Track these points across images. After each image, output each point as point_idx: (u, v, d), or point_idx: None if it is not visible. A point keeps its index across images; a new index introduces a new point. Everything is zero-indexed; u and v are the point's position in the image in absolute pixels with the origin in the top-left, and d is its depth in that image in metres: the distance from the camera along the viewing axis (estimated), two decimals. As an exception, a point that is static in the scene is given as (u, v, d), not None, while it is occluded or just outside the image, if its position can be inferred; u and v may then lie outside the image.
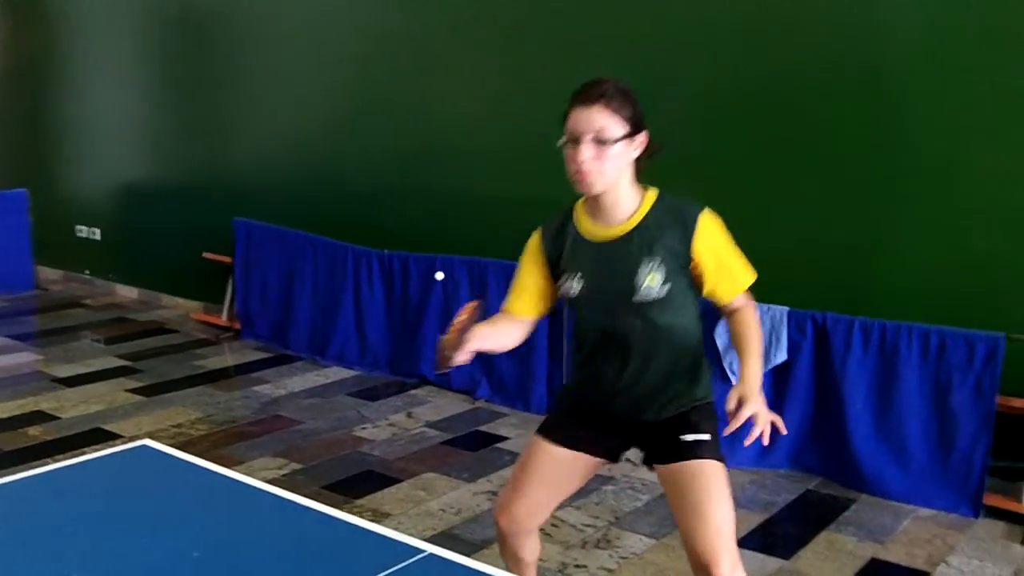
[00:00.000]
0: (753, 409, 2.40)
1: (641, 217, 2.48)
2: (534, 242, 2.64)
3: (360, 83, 6.21)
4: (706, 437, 2.58)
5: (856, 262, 4.53)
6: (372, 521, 3.78)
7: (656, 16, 4.97)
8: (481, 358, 5.46)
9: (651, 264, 2.45)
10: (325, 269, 6.13)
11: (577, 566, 3.60)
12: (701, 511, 2.49)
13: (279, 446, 4.73)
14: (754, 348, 2.52)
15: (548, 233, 2.61)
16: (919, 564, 3.70)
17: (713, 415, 2.63)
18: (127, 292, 7.93)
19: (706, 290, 2.55)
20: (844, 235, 4.55)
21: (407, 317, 5.79)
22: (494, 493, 4.21)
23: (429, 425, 5.06)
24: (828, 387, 4.43)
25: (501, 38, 5.55)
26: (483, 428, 5.03)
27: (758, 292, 4.59)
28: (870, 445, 4.33)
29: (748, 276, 2.59)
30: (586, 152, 2.38)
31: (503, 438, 4.90)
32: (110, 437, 4.76)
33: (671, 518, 3.98)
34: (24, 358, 6.14)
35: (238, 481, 2.46)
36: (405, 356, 5.80)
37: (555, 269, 2.59)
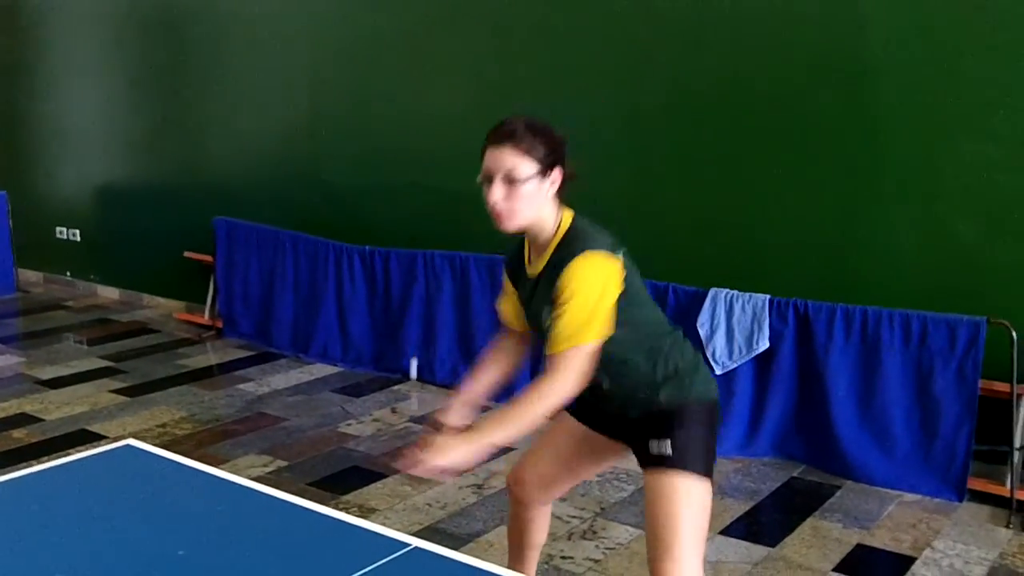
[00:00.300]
0: (430, 445, 2.31)
1: (550, 255, 2.44)
2: (505, 273, 2.69)
3: (339, 80, 6.19)
4: (668, 451, 2.46)
5: (838, 249, 4.55)
6: (358, 517, 3.77)
7: (639, 9, 4.97)
8: (464, 352, 5.47)
9: (547, 305, 2.39)
10: (307, 266, 6.12)
11: (563, 557, 3.61)
12: (657, 521, 2.45)
13: (264, 444, 4.72)
14: (507, 411, 2.39)
15: (510, 264, 2.64)
16: (904, 549, 3.72)
17: (698, 418, 2.52)
18: (109, 293, 7.89)
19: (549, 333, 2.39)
20: (826, 223, 4.57)
21: (390, 313, 5.79)
22: (479, 487, 4.21)
23: (414, 420, 5.06)
24: (811, 374, 4.45)
25: (480, 35, 5.55)
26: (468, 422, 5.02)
27: (740, 281, 4.65)
28: (854, 432, 4.35)
29: (572, 338, 2.32)
30: (497, 192, 2.37)
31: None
32: (95, 438, 4.74)
33: (657, 508, 4.00)
34: (7, 361, 6.11)
35: (222, 479, 2.46)
36: (388, 352, 5.79)
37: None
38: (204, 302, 6.89)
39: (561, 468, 2.75)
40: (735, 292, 4.56)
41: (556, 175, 2.44)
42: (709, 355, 4.57)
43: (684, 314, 4.70)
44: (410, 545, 2.05)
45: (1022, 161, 4.10)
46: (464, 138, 5.60)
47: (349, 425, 4.98)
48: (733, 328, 4.54)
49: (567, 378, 2.33)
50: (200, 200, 6.93)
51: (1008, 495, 4.05)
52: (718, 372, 4.58)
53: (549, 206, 2.45)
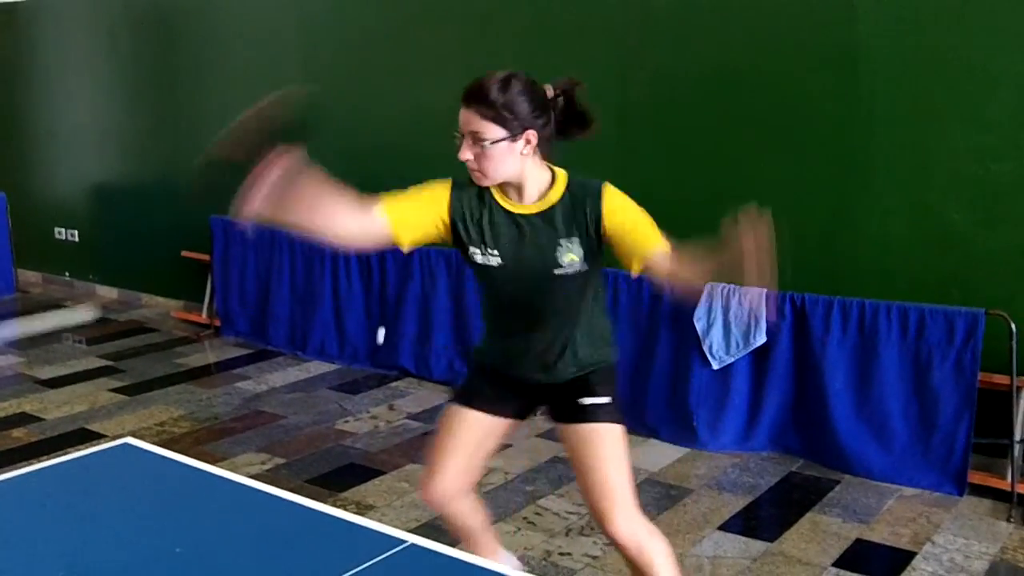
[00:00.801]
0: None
1: (559, 195, 2.52)
2: (441, 188, 2.58)
3: (331, 77, 6.18)
4: (604, 400, 2.67)
5: (832, 241, 4.54)
6: (356, 513, 3.77)
7: (627, 2, 4.97)
8: (461, 348, 5.47)
9: (572, 242, 2.51)
10: (303, 264, 6.12)
11: (561, 554, 3.61)
12: (593, 473, 2.62)
13: (262, 441, 4.72)
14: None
15: (463, 193, 2.56)
16: (904, 543, 3.72)
17: (613, 378, 2.73)
18: (107, 292, 7.89)
19: (626, 252, 2.55)
20: (820, 215, 4.56)
21: (386, 309, 5.79)
22: (477, 483, 4.20)
23: (411, 417, 5.06)
24: (808, 368, 4.44)
25: (469, 30, 5.53)
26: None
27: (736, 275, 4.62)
28: (852, 425, 4.35)
29: (662, 239, 2.58)
30: (466, 150, 2.43)
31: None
32: (94, 437, 4.74)
33: (655, 504, 4.01)
34: (6, 360, 6.11)
35: (219, 476, 2.46)
36: (385, 349, 5.79)
37: (457, 232, 2.56)
38: (201, 301, 6.88)
39: (468, 456, 2.81)
40: (731, 286, 4.56)
41: (531, 136, 2.46)
42: (706, 350, 4.57)
43: (680, 309, 4.70)
44: (407, 542, 2.04)
45: (1015, 149, 4.10)
46: (453, 133, 5.60)
47: (346, 422, 4.98)
48: (730, 322, 4.53)
49: None
50: (197, 199, 6.90)
51: (1008, 488, 4.04)
52: (715, 367, 4.58)
53: (530, 163, 2.50)
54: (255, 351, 6.24)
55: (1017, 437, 4.07)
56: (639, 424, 4.84)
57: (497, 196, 2.56)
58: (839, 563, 3.57)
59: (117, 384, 5.62)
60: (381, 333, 5.70)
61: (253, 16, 6.53)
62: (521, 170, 2.48)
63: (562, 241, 2.50)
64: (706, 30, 4.76)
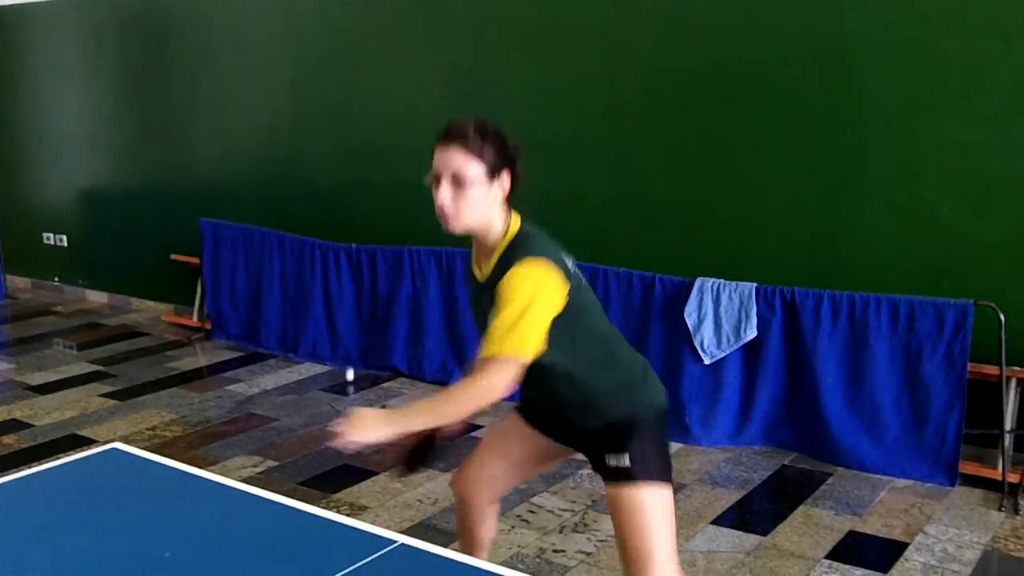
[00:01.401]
0: (351, 415, 2.27)
1: (497, 259, 2.39)
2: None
3: (320, 79, 6.17)
4: (626, 463, 2.45)
5: (822, 234, 4.55)
6: (349, 515, 3.77)
7: (616, -1, 4.98)
8: (453, 347, 5.46)
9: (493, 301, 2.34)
10: (293, 266, 6.11)
11: (556, 551, 3.61)
12: (626, 536, 2.47)
13: (254, 444, 4.71)
14: (425, 404, 2.37)
15: (467, 262, 2.57)
16: (897, 535, 3.73)
17: (650, 428, 2.52)
18: (97, 297, 7.86)
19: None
20: (810, 209, 4.57)
21: (377, 310, 5.78)
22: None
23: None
24: (799, 362, 4.45)
25: (459, 28, 5.53)
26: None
27: (726, 269, 4.65)
28: (844, 418, 4.35)
29: (500, 343, 2.25)
30: (444, 192, 2.33)
31: (477, 427, 4.88)
32: (85, 443, 4.72)
33: (649, 499, 4.00)
34: (-5, 367, 6.10)
35: (208, 480, 2.45)
36: (377, 349, 5.78)
37: None
38: (192, 304, 6.86)
39: (510, 468, 2.74)
40: (721, 281, 4.56)
41: (505, 180, 2.39)
42: (697, 345, 4.57)
43: (671, 304, 4.70)
44: (396, 542, 2.04)
45: (1004, 142, 4.11)
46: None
47: (339, 424, 4.96)
48: (720, 317, 4.53)
49: (493, 384, 2.24)
50: (185, 202, 6.90)
51: (1000, 478, 4.05)
52: (707, 362, 4.58)
53: (497, 210, 2.40)
54: (247, 354, 6.23)
55: (1007, 427, 4.08)
56: (631, 420, 4.84)
57: (472, 262, 2.50)
58: (832, 555, 3.57)
59: (108, 389, 5.60)
60: (350, 372, 5.72)
61: (241, 20, 6.51)
62: (490, 219, 2.39)
63: (491, 310, 2.32)
64: (695, 27, 4.76)
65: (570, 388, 2.47)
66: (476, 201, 2.34)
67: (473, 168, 2.32)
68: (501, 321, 2.25)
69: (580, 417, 2.53)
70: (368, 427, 2.24)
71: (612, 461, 2.47)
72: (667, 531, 2.46)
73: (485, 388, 2.25)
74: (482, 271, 2.44)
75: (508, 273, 2.29)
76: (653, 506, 2.44)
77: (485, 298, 2.37)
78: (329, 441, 2.29)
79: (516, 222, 2.43)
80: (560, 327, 2.33)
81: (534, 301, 2.26)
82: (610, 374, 2.50)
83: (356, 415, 2.25)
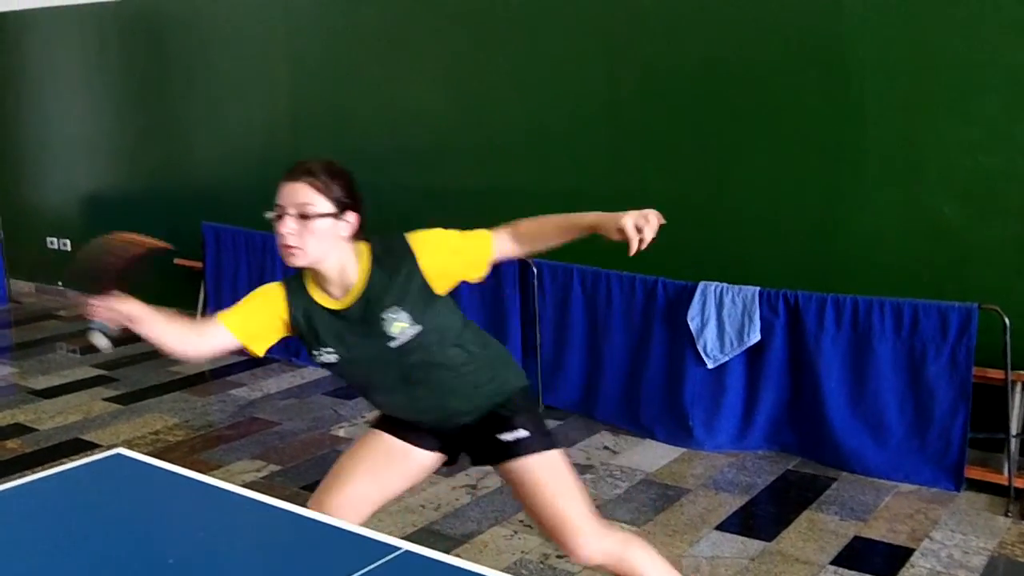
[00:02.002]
0: (632, 219, 2.51)
1: (367, 276, 2.47)
2: (276, 294, 2.57)
3: (322, 82, 6.17)
4: (523, 433, 2.57)
5: (824, 237, 4.54)
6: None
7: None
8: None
9: (393, 311, 2.44)
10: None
11: (559, 556, 3.59)
12: (542, 509, 2.56)
13: (257, 448, 4.70)
14: (567, 214, 2.58)
15: (292, 294, 2.55)
16: (902, 540, 3.71)
17: (527, 403, 2.66)
18: (100, 301, 7.85)
19: (463, 272, 2.55)
20: (812, 211, 4.56)
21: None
22: (473, 487, 4.19)
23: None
24: (803, 365, 4.44)
25: (458, 29, 5.53)
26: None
27: (727, 271, 4.64)
28: (848, 422, 4.34)
29: (486, 234, 2.53)
30: (288, 225, 2.38)
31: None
32: (88, 447, 4.72)
33: (652, 505, 4.00)
34: (0, 371, 6.10)
35: (211, 485, 2.44)
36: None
37: (298, 333, 2.55)
38: (194, 308, 6.86)
39: (374, 486, 2.68)
40: (724, 285, 4.55)
41: (352, 218, 2.45)
42: (700, 349, 4.56)
43: (673, 308, 4.69)
44: (400, 549, 2.03)
45: (1005, 142, 4.10)
46: (444, 134, 5.67)
47: (341, 428, 4.97)
48: (724, 321, 4.52)
49: None
50: (188, 206, 6.90)
51: (1006, 483, 4.04)
52: (710, 366, 4.57)
53: (344, 247, 2.46)
54: (249, 358, 6.22)
55: (1013, 431, 4.07)
56: (634, 424, 4.83)
57: (315, 295, 2.52)
58: (837, 561, 3.56)
59: (111, 393, 5.60)
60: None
61: (241, 24, 6.52)
62: (338, 255, 2.45)
63: (384, 316, 2.44)
64: (695, 27, 4.75)
65: (461, 372, 2.55)
66: (320, 235, 2.39)
67: (320, 204, 2.39)
68: (469, 240, 2.53)
69: (469, 403, 2.59)
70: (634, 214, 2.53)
71: (507, 436, 2.57)
72: (575, 490, 2.58)
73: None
74: (339, 300, 2.49)
75: (416, 249, 2.47)
76: (556, 470, 2.57)
77: (368, 311, 2.45)
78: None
79: (365, 246, 2.51)
80: (451, 305, 2.55)
81: (445, 231, 2.52)
82: (488, 351, 2.64)
83: (632, 218, 2.52)
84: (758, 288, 4.48)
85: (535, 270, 5.09)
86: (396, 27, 5.75)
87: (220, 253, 6.48)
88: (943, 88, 4.19)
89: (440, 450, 2.71)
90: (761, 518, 3.97)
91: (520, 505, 3.92)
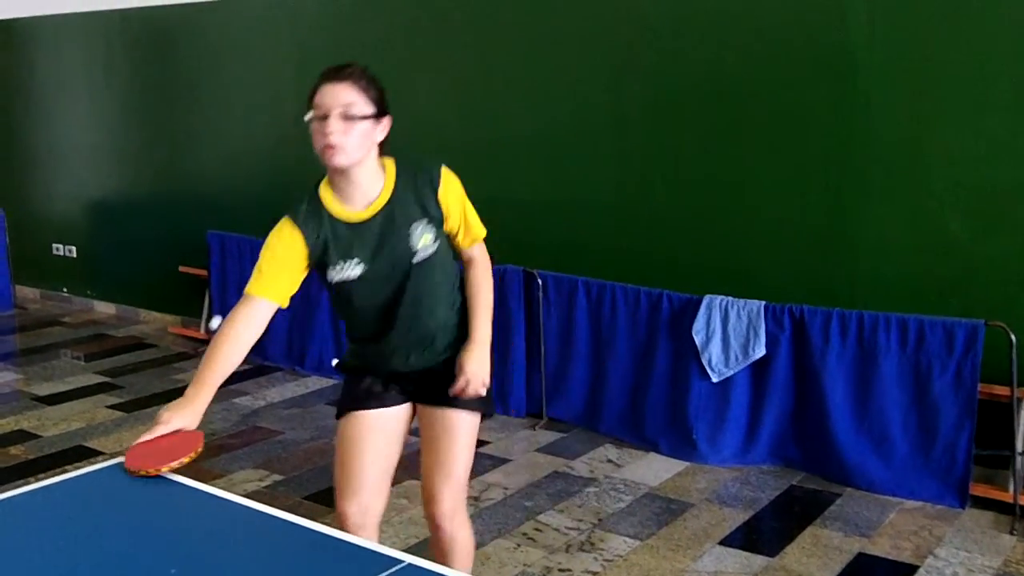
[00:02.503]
0: (471, 370, 2.61)
1: (392, 187, 2.55)
2: (289, 233, 2.57)
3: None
4: (483, 392, 2.70)
5: (831, 252, 4.54)
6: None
7: (620, 11, 4.97)
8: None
9: (420, 225, 2.56)
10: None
11: (561, 570, 3.58)
12: (443, 454, 2.72)
13: (260, 457, 4.70)
14: (484, 304, 2.70)
15: (304, 223, 2.56)
16: (906, 557, 3.70)
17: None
18: (105, 308, 7.87)
19: (457, 230, 2.69)
20: (818, 225, 4.56)
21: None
22: (476, 499, 4.18)
23: (409, 432, 5.02)
24: (808, 380, 4.43)
25: (464, 41, 5.54)
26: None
27: (732, 284, 4.63)
28: (853, 438, 4.33)
29: (483, 229, 2.74)
30: (335, 126, 2.43)
31: (483, 442, 4.88)
32: (92, 454, 4.72)
33: (655, 519, 3.99)
34: (4, 377, 6.09)
35: (215, 496, 2.43)
36: (385, 364, 5.77)
37: (316, 259, 2.58)
38: (199, 316, 6.87)
39: (384, 463, 2.78)
40: (730, 299, 4.54)
41: (386, 124, 2.55)
42: (705, 362, 4.56)
43: (678, 321, 4.68)
44: (403, 561, 2.02)
45: (1013, 155, 4.09)
46: (450, 144, 5.67)
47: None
48: (729, 335, 4.51)
49: (489, 257, 2.76)
50: (193, 214, 6.92)
51: (1011, 500, 4.02)
52: (714, 380, 4.56)
53: (374, 155, 2.54)
54: (253, 366, 6.22)
55: (1019, 449, 4.05)
56: (638, 438, 4.82)
57: (333, 208, 2.56)
58: (841, 577, 3.55)
59: (115, 400, 5.60)
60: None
61: (247, 33, 6.53)
62: (370, 160, 2.53)
63: (411, 229, 2.55)
64: (700, 39, 4.76)
65: (443, 308, 2.68)
66: (362, 136, 2.46)
67: (362, 105, 2.46)
68: (472, 215, 2.69)
69: (440, 342, 2.69)
70: (482, 366, 2.61)
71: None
72: (472, 454, 2.80)
73: (489, 261, 2.75)
74: (363, 211, 2.54)
75: (444, 181, 2.60)
76: (473, 431, 2.77)
77: (392, 224, 2.53)
78: (468, 393, 2.62)
79: (391, 162, 2.61)
80: (448, 243, 2.69)
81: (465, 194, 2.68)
82: (463, 297, 2.76)
83: (470, 368, 2.60)
84: (763, 302, 4.48)
85: (540, 281, 5.09)
86: (402, 37, 5.76)
87: (225, 261, 6.48)
88: (950, 102, 4.19)
89: (405, 398, 2.78)
90: (765, 533, 3.95)
91: (521, 519, 3.92)
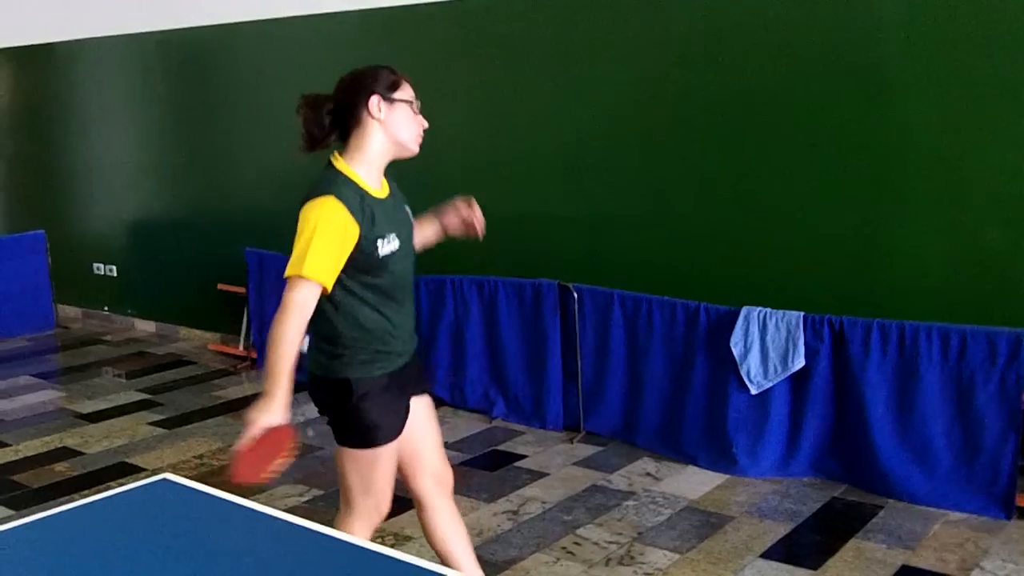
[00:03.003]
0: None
1: (388, 183, 2.86)
2: (344, 215, 2.64)
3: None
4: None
5: (869, 263, 4.50)
6: (394, 545, 3.77)
7: (651, 29, 4.98)
8: (495, 376, 5.44)
9: (408, 209, 2.95)
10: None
11: (602, 583, 3.58)
12: (438, 440, 3.07)
13: (299, 473, 4.72)
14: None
15: (351, 203, 2.66)
16: (951, 570, 3.65)
17: None
18: (145, 326, 7.96)
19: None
20: (855, 236, 4.53)
21: (420, 338, 5.77)
22: (514, 513, 4.19)
23: (446, 446, 5.02)
24: (848, 392, 4.39)
25: (496, 61, 5.56)
26: (500, 447, 5.01)
27: (769, 295, 4.61)
28: (894, 449, 4.29)
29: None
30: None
31: (521, 456, 4.88)
32: (134, 470, 4.77)
33: (695, 532, 3.96)
34: (48, 396, 6.17)
35: (257, 511, 2.45)
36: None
37: (363, 237, 2.66)
38: (238, 333, 6.93)
39: (416, 443, 3.00)
40: (768, 310, 4.52)
41: None
42: (743, 374, 4.53)
43: (715, 333, 4.67)
44: (442, 575, 2.02)
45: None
46: (484, 164, 5.69)
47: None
48: (767, 347, 4.49)
49: None
50: (231, 232, 6.98)
51: (1056, 511, 3.97)
52: (753, 392, 4.54)
53: None
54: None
55: (1064, 459, 3.99)
56: (677, 451, 4.80)
57: (367, 188, 2.72)
58: (884, 590, 3.51)
59: (156, 417, 5.65)
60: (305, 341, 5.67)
61: (283, 53, 6.60)
62: None
63: (405, 206, 2.92)
64: (730, 53, 4.75)
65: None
66: None
67: None
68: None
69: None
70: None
71: (425, 374, 3.15)
72: None
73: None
74: (383, 191, 2.82)
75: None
76: None
77: (392, 202, 2.83)
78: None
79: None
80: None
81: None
82: None
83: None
84: (802, 313, 4.45)
85: (575, 295, 5.09)
86: (432, 55, 5.79)
87: (263, 278, 6.54)
88: (986, 112, 4.15)
89: (417, 393, 2.95)
90: (806, 546, 3.92)
91: (560, 532, 3.91)
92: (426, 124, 2.78)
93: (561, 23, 5.30)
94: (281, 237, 6.55)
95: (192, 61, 7.20)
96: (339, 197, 2.64)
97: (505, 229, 5.50)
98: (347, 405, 2.83)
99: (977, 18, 4.14)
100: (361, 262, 2.67)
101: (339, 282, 2.69)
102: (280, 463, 2.55)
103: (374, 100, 2.70)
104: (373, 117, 2.71)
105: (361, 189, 2.69)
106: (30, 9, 8.26)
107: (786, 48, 4.60)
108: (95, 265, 8.25)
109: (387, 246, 2.69)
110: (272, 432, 2.58)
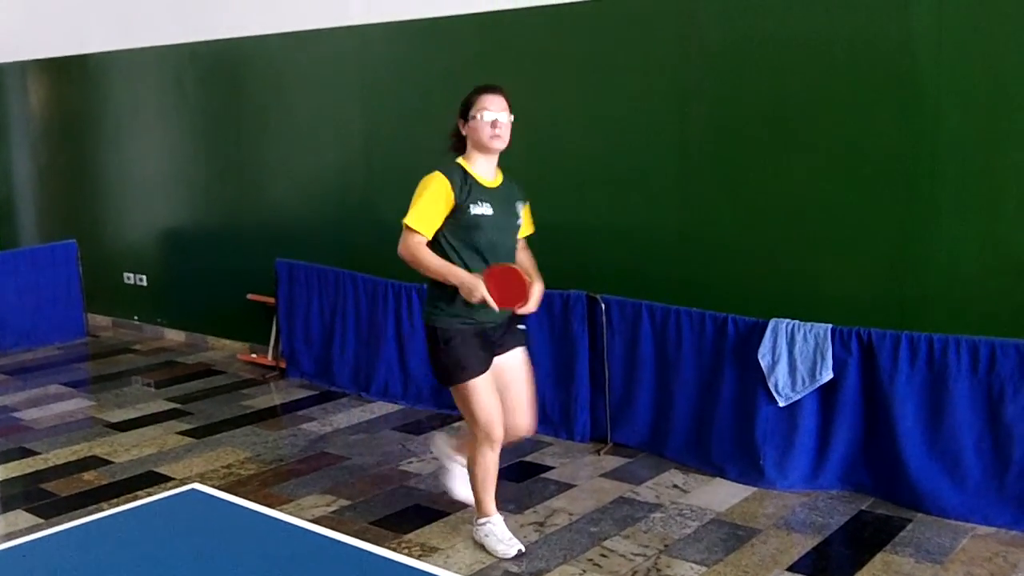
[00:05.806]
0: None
1: (503, 173, 3.82)
2: (446, 185, 3.65)
3: (393, 122, 6.26)
4: (524, 327, 3.91)
5: (900, 274, 4.48)
6: (421, 556, 3.78)
7: (683, 41, 4.98)
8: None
9: (520, 205, 3.84)
10: (367, 305, 6.16)
11: (629, 596, 3.56)
12: (525, 393, 3.88)
13: (327, 483, 4.74)
14: (535, 268, 3.93)
15: (455, 182, 3.66)
16: (980, 583, 3.62)
17: None
18: (175, 336, 8.02)
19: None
20: (886, 247, 4.50)
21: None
22: (541, 524, 4.18)
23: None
24: (877, 404, 4.36)
25: (527, 74, 5.56)
26: (527, 458, 5.01)
27: (798, 307, 4.59)
28: (923, 462, 4.25)
29: (532, 228, 4.01)
30: (503, 120, 3.68)
31: (548, 467, 4.88)
32: (163, 480, 4.80)
33: (722, 545, 3.95)
34: (78, 404, 6.23)
35: (284, 522, 2.47)
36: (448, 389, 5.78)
37: (460, 202, 3.63)
38: (267, 343, 6.97)
39: (518, 390, 3.89)
40: (796, 322, 4.50)
41: None
42: (771, 386, 4.51)
43: (744, 345, 4.65)
44: (469, 587, 2.03)
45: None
46: (516, 171, 5.66)
47: (410, 463, 4.99)
48: (795, 359, 4.47)
49: None
50: (261, 243, 7.03)
51: (1088, 526, 3.92)
52: (781, 404, 4.52)
53: None
54: (320, 392, 6.30)
55: (1097, 473, 3.95)
56: (705, 463, 4.78)
57: (475, 176, 3.72)
58: (913, 605, 3.48)
59: (185, 427, 5.69)
60: None
61: (315, 66, 6.64)
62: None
63: (517, 204, 3.82)
64: (765, 64, 4.74)
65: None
66: (509, 130, 3.72)
67: (509, 112, 3.75)
68: (530, 217, 3.98)
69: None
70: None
71: (522, 326, 3.89)
72: None
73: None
74: (493, 181, 3.77)
75: (522, 190, 3.93)
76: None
77: (509, 196, 3.80)
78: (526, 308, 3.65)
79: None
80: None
81: None
82: None
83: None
84: (830, 325, 4.43)
85: (603, 306, 5.08)
86: (467, 70, 5.80)
87: (293, 289, 6.58)
88: (1018, 121, 4.12)
89: (497, 350, 3.79)
90: (834, 559, 3.90)
91: (587, 544, 3.89)
92: (497, 130, 3.66)
93: (594, 36, 5.30)
94: (311, 248, 6.64)
95: (224, 73, 7.26)
96: (444, 173, 3.67)
97: (536, 238, 5.52)
98: (436, 348, 3.72)
99: (1008, 27, 4.11)
100: (459, 220, 3.63)
101: (443, 237, 3.65)
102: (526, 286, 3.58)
103: (460, 123, 3.77)
104: (464, 133, 3.75)
105: (467, 174, 3.70)
106: (64, 21, 8.37)
107: (818, 59, 4.59)
108: (126, 274, 8.32)
109: (478, 208, 3.63)
110: (497, 274, 3.56)
